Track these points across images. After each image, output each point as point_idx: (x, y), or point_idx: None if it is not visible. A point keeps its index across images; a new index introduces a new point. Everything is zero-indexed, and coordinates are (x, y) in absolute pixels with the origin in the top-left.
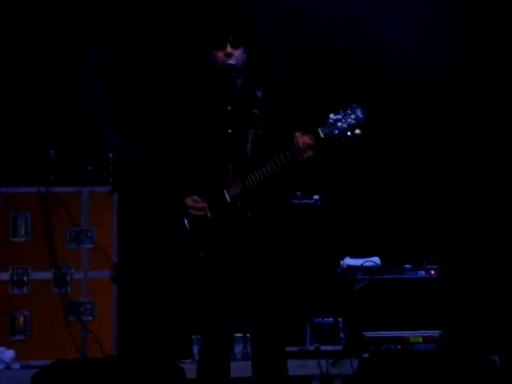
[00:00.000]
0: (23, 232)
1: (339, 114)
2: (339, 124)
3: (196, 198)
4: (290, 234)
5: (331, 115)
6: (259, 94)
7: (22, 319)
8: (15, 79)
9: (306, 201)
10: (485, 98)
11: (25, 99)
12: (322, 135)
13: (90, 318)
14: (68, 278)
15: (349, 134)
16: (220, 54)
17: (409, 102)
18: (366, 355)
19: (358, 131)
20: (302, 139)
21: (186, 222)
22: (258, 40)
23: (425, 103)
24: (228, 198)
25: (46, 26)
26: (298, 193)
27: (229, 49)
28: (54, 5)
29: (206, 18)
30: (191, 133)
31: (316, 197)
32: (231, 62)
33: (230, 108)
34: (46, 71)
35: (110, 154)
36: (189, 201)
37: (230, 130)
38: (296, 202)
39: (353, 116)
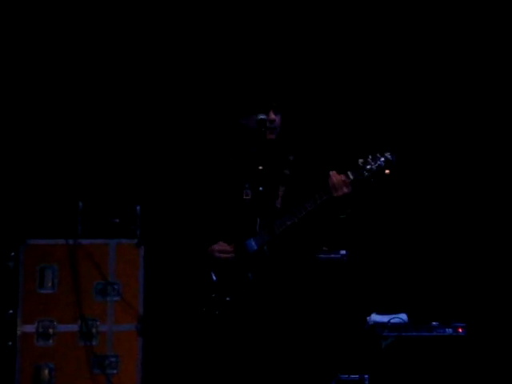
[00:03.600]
0: (50, 284)
1: (368, 157)
2: (368, 167)
3: (223, 243)
4: (317, 286)
5: (360, 160)
6: (291, 158)
7: (46, 371)
8: (43, 132)
9: (332, 255)
10: None
11: (53, 152)
12: (352, 177)
13: (115, 372)
14: (94, 330)
15: (379, 174)
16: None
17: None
18: None
19: (387, 171)
20: (337, 177)
21: (212, 272)
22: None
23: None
24: (255, 245)
25: (63, 76)
26: (325, 247)
27: (272, 115)
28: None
29: (251, 84)
30: (221, 188)
31: (342, 252)
32: (264, 117)
33: (261, 167)
34: (74, 123)
35: (138, 207)
36: (216, 246)
37: (261, 188)
38: (322, 256)
39: (383, 159)
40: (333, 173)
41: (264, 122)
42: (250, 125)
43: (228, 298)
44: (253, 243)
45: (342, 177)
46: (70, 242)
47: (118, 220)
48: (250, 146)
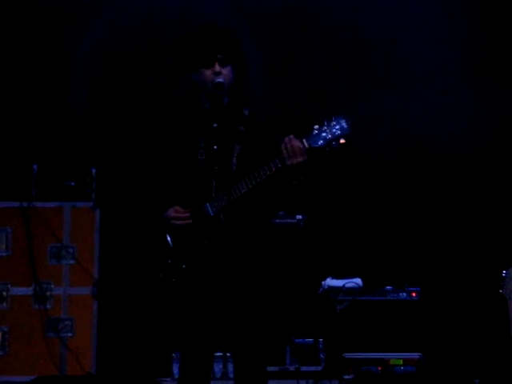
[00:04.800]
0: (4, 247)
1: (324, 125)
2: (324, 134)
3: (179, 208)
4: (272, 251)
5: (315, 126)
6: (246, 112)
7: (0, 335)
8: None
9: (288, 220)
10: None
11: (7, 114)
12: (307, 145)
13: (70, 335)
14: (48, 293)
15: (333, 143)
16: (208, 72)
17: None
18: (347, 376)
19: (342, 141)
20: (293, 142)
21: (168, 237)
22: (243, 60)
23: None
24: (211, 211)
25: (26, 40)
26: (281, 212)
27: (217, 67)
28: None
29: (194, 37)
30: (176, 148)
31: (299, 216)
32: (219, 80)
33: (215, 125)
34: (27, 85)
35: (93, 170)
36: (171, 212)
37: (215, 146)
38: (279, 221)
39: (338, 126)
40: (289, 138)
41: (221, 85)
42: (201, 80)
43: (184, 266)
44: (209, 209)
45: (298, 142)
46: (25, 204)
47: (73, 183)
48: (204, 103)
